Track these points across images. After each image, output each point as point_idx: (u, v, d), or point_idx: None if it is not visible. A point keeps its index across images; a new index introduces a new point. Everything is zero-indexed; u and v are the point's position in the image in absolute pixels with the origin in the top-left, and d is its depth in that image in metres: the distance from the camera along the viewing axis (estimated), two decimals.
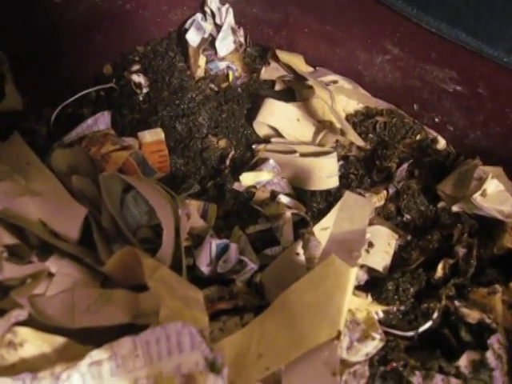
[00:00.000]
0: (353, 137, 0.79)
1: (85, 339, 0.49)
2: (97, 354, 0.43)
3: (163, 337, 0.42)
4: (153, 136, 0.82)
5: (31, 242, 0.63)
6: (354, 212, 0.64)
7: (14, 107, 0.73)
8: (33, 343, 0.47)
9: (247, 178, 0.78)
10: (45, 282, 0.56)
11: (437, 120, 0.80)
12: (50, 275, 0.58)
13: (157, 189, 0.67)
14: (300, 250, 0.65)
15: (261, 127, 0.86)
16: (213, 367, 0.42)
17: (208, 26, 0.91)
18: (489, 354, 0.53)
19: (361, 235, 0.62)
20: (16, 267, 0.55)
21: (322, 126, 0.85)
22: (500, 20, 0.56)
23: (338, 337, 0.45)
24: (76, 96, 0.86)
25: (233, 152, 0.86)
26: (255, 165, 0.82)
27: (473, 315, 0.57)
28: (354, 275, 0.47)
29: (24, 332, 0.47)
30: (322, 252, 0.61)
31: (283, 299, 0.50)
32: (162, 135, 0.82)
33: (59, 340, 0.48)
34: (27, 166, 0.69)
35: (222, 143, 0.86)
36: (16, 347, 0.46)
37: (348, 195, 0.67)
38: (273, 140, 0.85)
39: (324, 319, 0.46)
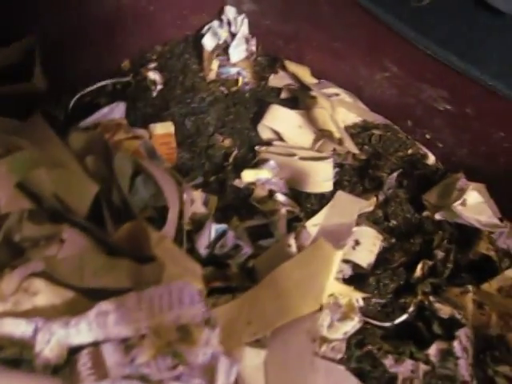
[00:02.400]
0: (349, 145, 0.85)
1: (91, 297, 0.54)
2: (104, 305, 0.48)
3: (166, 293, 0.48)
4: (163, 129, 0.87)
5: (45, 212, 0.69)
6: (344, 208, 0.70)
7: (40, 88, 0.79)
8: (45, 294, 0.52)
9: (248, 175, 0.83)
10: (56, 246, 0.61)
11: (428, 136, 0.87)
12: (61, 241, 0.63)
13: (165, 172, 0.73)
14: (292, 242, 0.70)
15: (264, 130, 0.92)
16: (208, 323, 0.47)
17: (223, 33, 0.97)
18: (456, 344, 0.59)
19: (348, 228, 0.68)
20: (34, 227, 0.60)
21: (322, 134, 0.91)
22: (487, 47, 0.63)
23: (319, 310, 0.51)
24: (94, 86, 0.92)
25: (236, 151, 0.91)
26: (256, 164, 0.88)
27: (445, 310, 0.63)
28: (339, 257, 0.53)
29: (38, 283, 0.52)
30: (311, 241, 0.66)
31: (273, 275, 0.55)
32: (172, 129, 0.87)
33: (69, 294, 0.53)
34: (47, 142, 0.74)
35: (227, 142, 0.92)
36: (30, 295, 0.51)
37: (340, 194, 0.72)
38: (275, 143, 0.90)
39: (309, 294, 0.52)
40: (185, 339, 0.48)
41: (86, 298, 0.54)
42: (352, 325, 0.57)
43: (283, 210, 0.79)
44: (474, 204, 0.71)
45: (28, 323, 0.48)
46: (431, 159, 0.89)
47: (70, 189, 0.71)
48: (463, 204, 0.71)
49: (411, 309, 0.65)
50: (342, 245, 0.65)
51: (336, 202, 0.71)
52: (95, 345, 0.48)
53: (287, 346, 0.50)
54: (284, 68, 0.96)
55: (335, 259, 0.52)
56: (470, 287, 0.65)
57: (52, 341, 0.48)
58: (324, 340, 0.55)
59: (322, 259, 0.53)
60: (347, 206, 0.70)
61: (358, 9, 0.73)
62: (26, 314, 0.50)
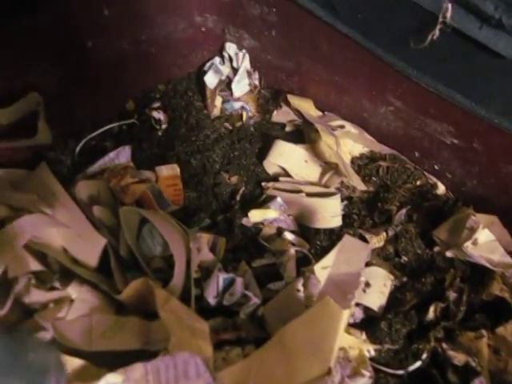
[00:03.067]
0: (355, 182, 0.84)
1: (100, 363, 0.54)
2: (111, 377, 0.48)
3: (171, 365, 0.47)
4: (169, 171, 0.87)
5: (53, 268, 0.69)
6: (351, 255, 0.69)
7: (44, 142, 0.80)
8: None
9: (255, 215, 0.83)
10: (65, 307, 0.62)
11: (436, 167, 0.85)
12: (71, 301, 0.64)
13: (171, 223, 0.73)
14: (300, 287, 0.70)
15: (270, 166, 0.91)
16: None
17: (225, 69, 0.97)
18: None
19: (356, 278, 0.67)
20: (41, 293, 0.60)
21: (329, 167, 0.90)
22: (492, 86, 0.61)
23: (328, 373, 0.50)
24: (100, 130, 0.92)
25: (243, 188, 0.91)
26: (264, 202, 0.87)
27: (459, 358, 0.61)
28: (347, 317, 0.52)
29: None
30: (319, 291, 0.65)
31: (281, 335, 0.55)
32: (178, 170, 0.88)
33: (77, 362, 0.53)
34: (53, 195, 0.75)
35: (234, 179, 0.92)
36: None
37: (347, 239, 0.71)
38: (281, 179, 0.90)
39: (317, 356, 0.51)
40: None
41: (94, 364, 0.54)
42: (363, 382, 0.56)
43: (292, 251, 0.78)
44: (485, 242, 0.70)
45: None
46: (441, 189, 0.87)
47: (78, 243, 0.71)
48: (474, 243, 0.70)
49: (425, 355, 0.64)
50: (350, 298, 0.64)
51: (343, 248, 0.70)
52: None
53: None
54: (287, 102, 0.95)
55: (343, 319, 0.51)
56: (485, 332, 0.63)
57: None
58: None
59: (330, 318, 0.52)
60: (355, 253, 0.69)
61: (357, 47, 0.72)
62: None
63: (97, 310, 0.63)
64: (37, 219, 0.66)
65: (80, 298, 0.63)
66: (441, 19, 0.56)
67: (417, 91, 0.71)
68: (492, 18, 0.53)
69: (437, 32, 0.57)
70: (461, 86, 0.65)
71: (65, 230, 0.69)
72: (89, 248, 0.70)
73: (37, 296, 0.60)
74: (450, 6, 0.55)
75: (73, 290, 0.64)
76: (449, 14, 0.55)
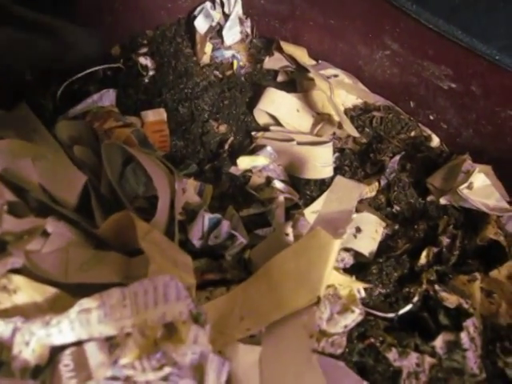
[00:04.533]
0: (349, 128, 0.81)
1: (75, 293, 0.51)
2: (86, 303, 0.45)
3: (151, 288, 0.44)
4: (155, 116, 0.84)
5: (30, 204, 0.66)
6: (343, 194, 0.66)
7: None
8: (26, 291, 0.49)
9: (244, 162, 0.80)
10: (41, 240, 0.59)
11: (431, 118, 0.83)
12: (46, 234, 0.60)
13: (155, 161, 0.70)
14: (289, 230, 0.67)
15: (261, 115, 0.88)
16: (197, 319, 0.44)
17: (216, 15, 0.93)
18: (463, 335, 0.55)
19: (347, 215, 0.64)
20: (15, 221, 0.57)
21: (321, 117, 0.87)
22: (494, 18, 0.59)
23: (317, 302, 0.47)
24: (83, 73, 0.88)
25: (232, 138, 0.88)
26: (253, 151, 0.84)
27: (451, 300, 0.59)
28: (338, 246, 0.49)
29: (18, 279, 0.49)
30: (309, 229, 0.63)
31: (267, 267, 0.52)
32: (165, 115, 0.84)
33: (51, 290, 0.50)
34: (33, 131, 0.71)
35: (222, 129, 0.89)
36: (10, 293, 0.48)
37: (339, 179, 0.69)
38: (272, 128, 0.87)
39: (305, 286, 0.48)
40: (171, 337, 0.45)
41: (70, 294, 0.51)
42: (353, 318, 0.53)
43: (281, 198, 0.76)
44: (480, 187, 0.68)
45: (6, 323, 0.45)
46: (435, 141, 0.85)
47: (57, 179, 0.68)
48: (469, 187, 0.67)
49: (416, 298, 0.62)
50: (341, 233, 0.61)
51: (335, 188, 0.67)
52: (78, 344, 0.45)
53: (283, 342, 0.46)
54: (280, 50, 0.92)
55: (334, 248, 0.49)
56: (478, 275, 0.61)
57: (32, 342, 0.45)
58: (323, 334, 0.52)
59: (320, 248, 0.49)
60: (347, 192, 0.66)
61: None
62: (5, 314, 0.47)
63: (74, 244, 0.59)
64: (11, 145, 0.62)
65: (56, 232, 0.60)
66: None
67: (415, 31, 0.68)
68: None
69: None
70: (462, 20, 0.62)
71: (43, 164, 0.65)
72: (68, 185, 0.66)
73: (9, 224, 0.56)
74: None
75: (49, 225, 0.61)
76: None
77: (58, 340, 0.45)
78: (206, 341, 0.44)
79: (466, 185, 0.67)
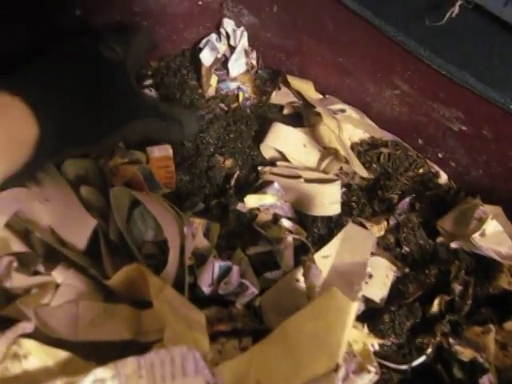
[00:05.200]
0: (357, 167, 0.80)
1: (87, 354, 0.50)
2: (101, 372, 0.44)
3: (168, 359, 0.43)
4: (161, 151, 0.82)
5: (37, 250, 0.64)
6: (356, 244, 0.65)
7: None
8: (36, 356, 0.48)
9: (251, 200, 0.79)
10: (50, 293, 0.57)
11: (440, 156, 0.82)
12: (56, 286, 0.59)
13: (164, 206, 0.69)
14: (300, 277, 0.67)
15: (267, 150, 0.87)
16: None
17: (222, 47, 0.92)
18: None
19: (362, 268, 0.64)
20: (24, 277, 0.56)
21: (328, 152, 0.86)
22: (508, 70, 0.58)
23: (336, 369, 0.47)
24: None
25: (238, 172, 0.87)
26: (260, 187, 0.83)
27: (466, 353, 0.59)
28: (355, 309, 0.48)
29: (29, 344, 0.48)
30: (322, 282, 0.62)
31: (284, 328, 0.51)
32: (170, 151, 0.83)
33: (62, 354, 0.49)
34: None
35: (228, 163, 0.88)
36: (20, 359, 0.47)
37: (351, 227, 0.68)
38: (278, 163, 0.86)
39: (323, 351, 0.47)
40: None
41: (81, 356, 0.50)
42: (369, 378, 0.52)
43: (289, 238, 0.75)
44: (493, 234, 0.67)
45: None
46: (443, 178, 0.84)
47: (67, 223, 0.67)
48: (482, 235, 0.67)
49: (429, 350, 0.61)
50: (357, 290, 0.60)
51: (347, 237, 0.66)
52: None
53: None
54: (286, 83, 0.91)
55: (352, 312, 0.48)
56: (492, 326, 0.61)
57: None
58: None
59: (337, 311, 0.48)
60: (359, 242, 0.66)
61: (365, 25, 0.68)
62: (15, 381, 0.46)
63: (84, 296, 0.58)
64: (20, 194, 0.60)
65: (66, 282, 0.59)
66: None
67: (427, 74, 0.68)
68: None
69: (456, 9, 0.54)
70: (476, 68, 0.61)
71: (52, 207, 0.64)
72: (78, 229, 0.65)
73: (19, 280, 0.55)
74: None
75: (58, 274, 0.59)
76: None
77: None
78: None
79: (478, 233, 0.66)
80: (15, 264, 0.56)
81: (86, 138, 0.59)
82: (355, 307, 0.49)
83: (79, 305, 0.56)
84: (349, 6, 0.67)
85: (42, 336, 0.50)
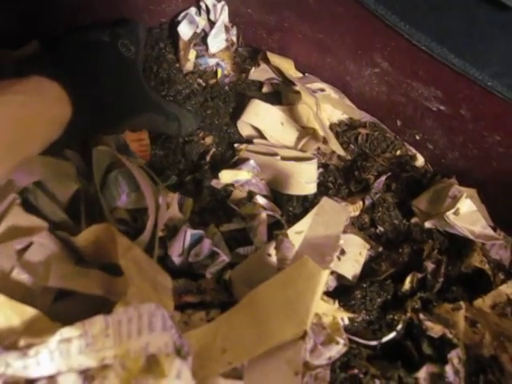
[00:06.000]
0: (334, 146, 0.79)
1: (55, 315, 0.48)
2: (67, 332, 0.42)
3: (135, 317, 0.42)
4: None
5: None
6: (329, 217, 0.64)
7: None
8: (2, 311, 0.46)
9: (226, 176, 0.78)
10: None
11: (418, 137, 0.82)
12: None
13: (143, 173, 0.67)
14: (272, 251, 0.65)
15: (244, 127, 0.86)
16: (180, 352, 0.41)
17: (201, 21, 0.90)
18: (448, 368, 0.54)
19: (335, 240, 0.63)
20: (24, 215, 0.57)
21: (306, 132, 0.85)
22: (488, 45, 0.58)
23: (303, 336, 0.46)
24: None
25: (214, 149, 0.85)
26: (236, 163, 0.82)
27: (436, 329, 0.58)
28: (326, 277, 0.48)
29: None
30: (294, 254, 0.61)
31: (252, 296, 0.50)
32: None
33: (29, 311, 0.47)
34: None
35: (208, 140, 0.86)
36: None
37: (325, 201, 0.67)
38: (255, 141, 0.85)
39: (291, 318, 0.46)
40: (153, 371, 0.42)
41: (49, 316, 0.48)
42: (337, 349, 0.52)
43: (263, 215, 0.74)
44: (467, 213, 0.67)
45: None
46: (420, 161, 0.84)
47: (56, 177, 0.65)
48: (456, 213, 0.67)
49: (400, 326, 0.60)
50: (329, 260, 0.59)
51: (321, 210, 0.65)
52: (51, 378, 0.42)
53: (267, 379, 0.44)
54: (266, 60, 0.89)
55: (322, 279, 0.47)
56: (462, 303, 0.60)
57: (7, 373, 0.41)
58: (306, 367, 0.50)
59: (308, 279, 0.47)
60: (333, 216, 0.65)
61: (347, 0, 0.67)
62: None
63: (56, 257, 0.56)
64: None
65: (39, 241, 0.56)
66: None
67: (406, 51, 0.67)
68: None
69: None
70: (456, 43, 0.61)
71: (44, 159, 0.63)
72: (62, 187, 0.64)
73: (18, 218, 0.56)
74: None
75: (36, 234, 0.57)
76: None
77: (35, 372, 0.42)
78: (190, 376, 0.41)
79: (452, 211, 0.66)
80: (18, 201, 0.57)
81: (105, 121, 0.67)
82: (326, 274, 0.48)
83: (52, 264, 0.54)
84: None
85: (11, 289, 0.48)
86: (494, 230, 0.69)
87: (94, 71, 0.64)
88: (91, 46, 0.69)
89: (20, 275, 0.52)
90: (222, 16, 0.90)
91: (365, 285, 0.64)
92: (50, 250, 0.57)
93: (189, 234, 0.64)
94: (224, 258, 0.63)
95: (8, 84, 0.51)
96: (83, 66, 0.63)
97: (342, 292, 0.66)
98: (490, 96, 0.62)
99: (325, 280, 0.47)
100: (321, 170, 0.83)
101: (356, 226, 0.76)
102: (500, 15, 0.52)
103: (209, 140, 0.86)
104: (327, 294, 0.64)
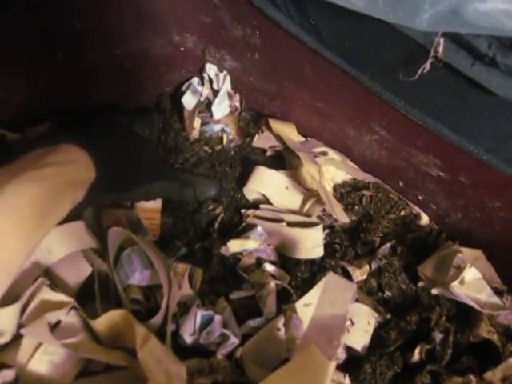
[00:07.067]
0: (338, 213, 0.81)
1: None
2: None
3: None
4: (150, 203, 0.82)
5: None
6: (335, 295, 0.66)
7: None
8: None
9: (234, 245, 0.79)
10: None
11: (420, 198, 0.83)
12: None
13: (157, 252, 0.69)
14: (281, 326, 0.67)
15: (251, 193, 0.88)
16: None
17: (205, 90, 0.94)
18: None
19: (341, 321, 0.64)
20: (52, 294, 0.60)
21: (310, 194, 0.87)
22: (479, 123, 0.59)
23: None
24: None
25: (222, 214, 0.87)
26: (243, 230, 0.84)
27: None
28: (332, 369, 0.49)
29: None
30: (303, 334, 0.62)
31: None
32: (159, 205, 0.83)
33: None
34: None
35: (218, 210, 0.88)
36: None
37: (331, 276, 0.68)
38: (261, 206, 0.87)
39: None
40: None
41: None
42: None
43: (272, 284, 0.75)
44: (472, 281, 0.68)
45: None
46: (425, 219, 0.85)
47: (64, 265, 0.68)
48: (461, 282, 0.67)
49: None
50: (336, 346, 0.60)
51: (327, 288, 0.66)
52: None
53: None
54: (269, 127, 0.92)
55: (329, 371, 0.48)
56: (472, 377, 0.61)
57: None
58: None
59: (314, 371, 0.49)
60: (339, 293, 0.66)
61: (342, 74, 0.69)
62: None
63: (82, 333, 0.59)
64: None
65: (67, 320, 0.59)
66: (432, 53, 0.54)
67: (403, 122, 0.69)
68: (485, 56, 0.51)
69: (427, 66, 0.55)
70: (450, 120, 0.62)
71: None
72: (73, 273, 0.66)
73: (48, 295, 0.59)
74: (442, 40, 0.53)
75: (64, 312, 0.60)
76: (441, 49, 0.53)
77: None
78: None
79: (457, 281, 0.67)
80: (47, 282, 0.61)
81: (122, 188, 0.72)
82: (333, 367, 0.49)
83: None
84: (326, 56, 0.69)
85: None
86: (501, 294, 0.70)
87: (112, 145, 0.70)
88: (111, 126, 0.77)
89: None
90: (225, 85, 0.93)
91: (374, 358, 0.65)
92: (76, 328, 0.60)
93: (199, 315, 0.65)
94: (234, 340, 0.64)
95: (40, 156, 0.55)
96: (104, 141, 0.69)
97: (352, 364, 0.66)
98: (485, 167, 0.63)
99: (332, 371, 0.48)
100: (327, 231, 0.85)
101: (364, 290, 0.77)
102: (488, 98, 0.54)
103: (218, 210, 0.88)
104: (337, 367, 0.65)
